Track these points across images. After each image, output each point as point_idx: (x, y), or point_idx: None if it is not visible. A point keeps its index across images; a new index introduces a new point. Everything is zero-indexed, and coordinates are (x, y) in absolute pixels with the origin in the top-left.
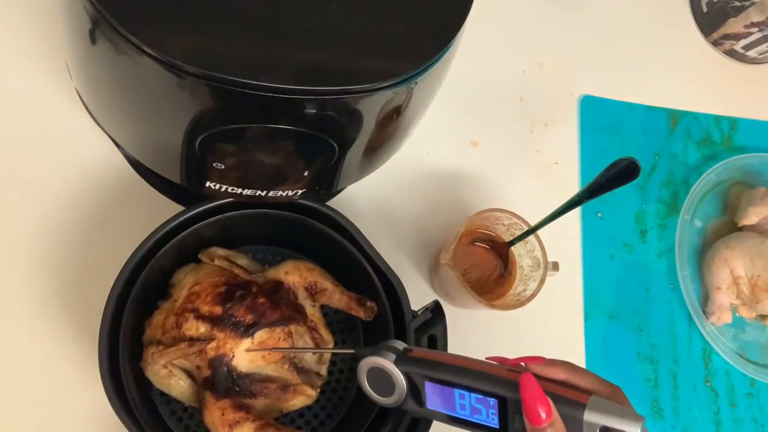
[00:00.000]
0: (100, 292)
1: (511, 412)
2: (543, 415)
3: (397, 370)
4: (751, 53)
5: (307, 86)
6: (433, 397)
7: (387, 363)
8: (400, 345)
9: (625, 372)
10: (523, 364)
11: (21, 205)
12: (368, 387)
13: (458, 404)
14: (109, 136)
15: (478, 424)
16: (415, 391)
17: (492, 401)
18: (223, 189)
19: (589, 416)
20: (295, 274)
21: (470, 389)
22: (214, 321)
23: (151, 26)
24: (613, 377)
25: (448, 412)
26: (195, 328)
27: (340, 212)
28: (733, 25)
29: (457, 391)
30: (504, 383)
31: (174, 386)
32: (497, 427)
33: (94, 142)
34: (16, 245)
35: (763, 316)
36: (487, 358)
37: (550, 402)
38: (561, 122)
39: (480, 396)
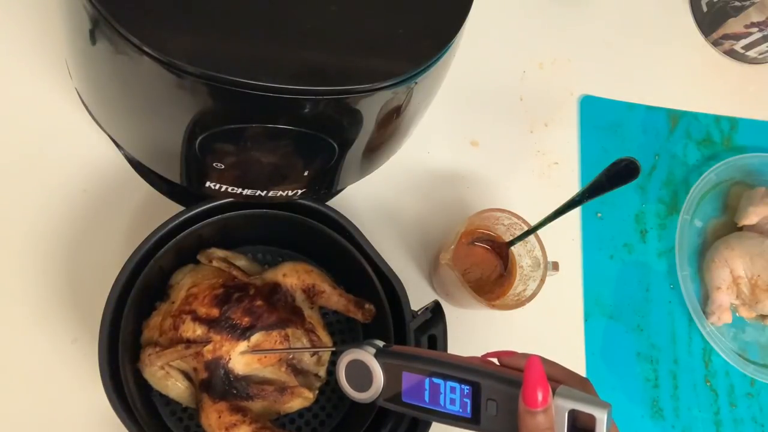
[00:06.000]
0: (100, 292)
1: (484, 398)
2: (540, 398)
3: (376, 362)
4: (751, 53)
5: (307, 86)
6: (409, 388)
7: (366, 355)
8: (380, 343)
9: (625, 372)
10: (495, 360)
11: (21, 205)
12: (345, 382)
13: (433, 395)
14: (109, 136)
15: (452, 414)
16: (391, 386)
17: (466, 389)
18: (223, 189)
19: (558, 401)
20: (293, 277)
21: (446, 377)
22: (210, 323)
23: (151, 26)
24: (613, 377)
25: (422, 404)
26: (192, 330)
27: (340, 212)
28: (733, 25)
29: (432, 381)
30: (479, 370)
31: (171, 387)
32: (470, 416)
33: (94, 142)
34: (16, 245)
35: (763, 316)
36: None
37: (549, 389)
38: (561, 122)
39: (455, 384)
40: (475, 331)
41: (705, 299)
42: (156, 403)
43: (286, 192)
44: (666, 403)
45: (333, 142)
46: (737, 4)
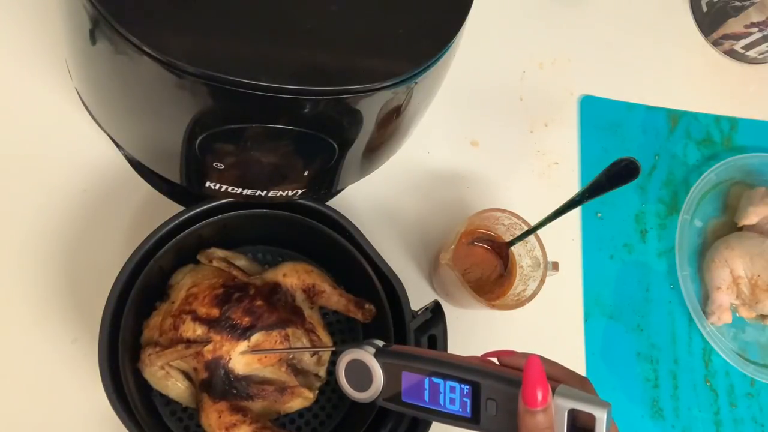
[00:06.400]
0: (100, 292)
1: (483, 398)
2: (539, 398)
3: (376, 362)
4: (751, 53)
5: (307, 86)
6: (409, 388)
7: (366, 355)
8: (380, 342)
9: (625, 372)
10: (495, 359)
11: (21, 205)
12: (345, 382)
13: (433, 395)
14: (109, 136)
15: (452, 413)
16: (391, 385)
17: (466, 389)
18: (223, 189)
19: (558, 400)
20: (293, 277)
21: (445, 377)
22: (211, 323)
23: (151, 26)
24: (613, 377)
25: (422, 404)
26: (192, 330)
27: (340, 212)
28: (733, 25)
29: (432, 380)
30: (479, 370)
31: (171, 387)
32: (470, 416)
33: (94, 142)
34: (16, 245)
35: (763, 316)
36: None
37: (549, 388)
38: (561, 122)
39: (455, 383)
40: (475, 331)
41: (705, 299)
42: (156, 403)
43: (286, 192)
44: (666, 403)
45: (333, 142)
46: (737, 4)
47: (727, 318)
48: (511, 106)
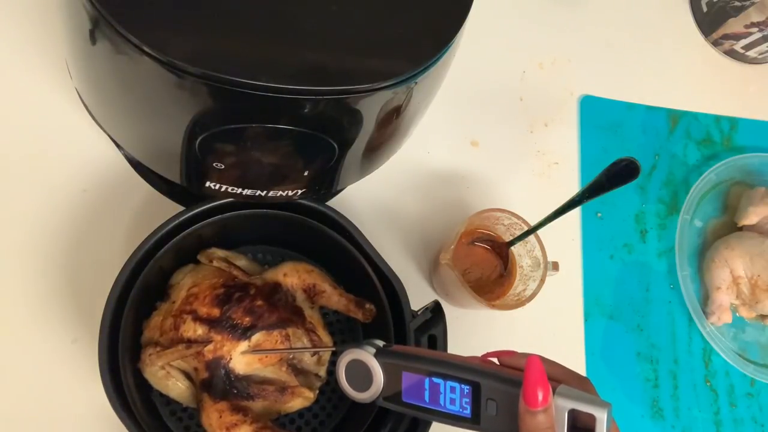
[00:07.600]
0: (100, 292)
1: (484, 398)
2: (540, 398)
3: (376, 362)
4: (751, 53)
5: (307, 86)
6: (409, 388)
7: (366, 355)
8: (380, 342)
9: (625, 372)
10: (495, 359)
11: (21, 205)
12: (345, 382)
13: (433, 395)
14: (109, 136)
15: (452, 414)
16: (391, 385)
17: (466, 389)
18: (223, 189)
19: (558, 400)
20: (293, 276)
21: (446, 377)
22: (211, 323)
23: (151, 26)
24: (613, 377)
25: (422, 404)
26: (192, 329)
27: (340, 212)
28: (733, 25)
29: (432, 380)
30: (479, 370)
31: (172, 387)
32: (470, 416)
33: (94, 142)
34: (16, 245)
35: (763, 316)
36: None
37: (550, 388)
38: (561, 122)
39: (455, 384)
40: (475, 331)
41: (705, 299)
42: (156, 403)
43: (286, 192)
44: (666, 403)
45: (333, 142)
46: (737, 4)
47: (727, 318)
48: (511, 106)
